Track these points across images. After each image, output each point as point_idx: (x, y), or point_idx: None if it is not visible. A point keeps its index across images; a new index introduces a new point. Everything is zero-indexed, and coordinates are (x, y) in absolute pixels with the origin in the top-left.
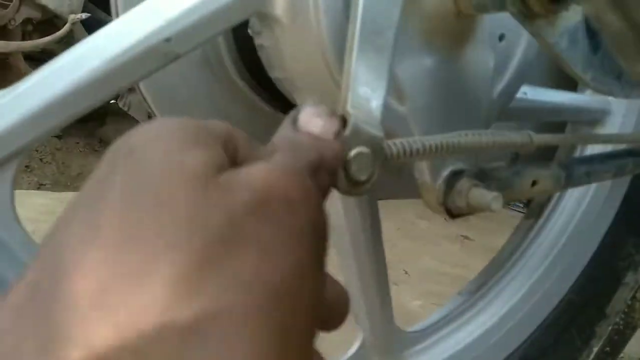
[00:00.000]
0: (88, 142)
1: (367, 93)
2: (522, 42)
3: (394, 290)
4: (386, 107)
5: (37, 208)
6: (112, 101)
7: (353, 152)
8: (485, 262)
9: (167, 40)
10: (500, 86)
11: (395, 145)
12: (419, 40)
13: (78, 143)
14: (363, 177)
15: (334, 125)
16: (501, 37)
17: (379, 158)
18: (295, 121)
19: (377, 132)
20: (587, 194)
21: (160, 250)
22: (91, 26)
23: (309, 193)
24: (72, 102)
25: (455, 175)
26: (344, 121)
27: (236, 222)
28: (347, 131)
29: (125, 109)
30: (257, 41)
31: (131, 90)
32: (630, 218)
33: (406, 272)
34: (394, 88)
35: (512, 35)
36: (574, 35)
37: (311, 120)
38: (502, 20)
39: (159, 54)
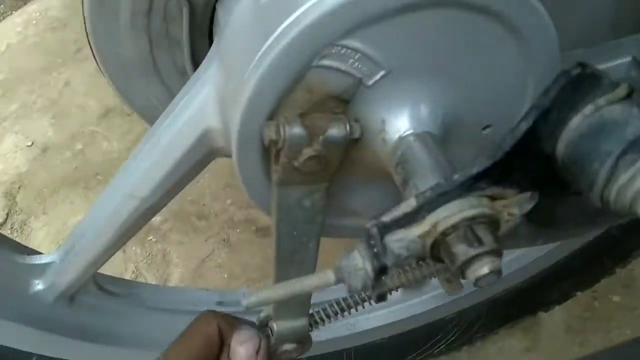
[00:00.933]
0: None
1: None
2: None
3: None
4: None
5: None
6: None
7: (281, 349)
8: None
9: None
10: None
11: (314, 317)
12: None
13: None
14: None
15: (255, 345)
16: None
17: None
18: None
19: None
20: None
21: None
22: None
23: None
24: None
25: None
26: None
27: None
28: (273, 339)
29: None
30: None
31: None
32: None
33: None
34: None
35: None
36: None
37: (237, 349)
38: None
39: None
